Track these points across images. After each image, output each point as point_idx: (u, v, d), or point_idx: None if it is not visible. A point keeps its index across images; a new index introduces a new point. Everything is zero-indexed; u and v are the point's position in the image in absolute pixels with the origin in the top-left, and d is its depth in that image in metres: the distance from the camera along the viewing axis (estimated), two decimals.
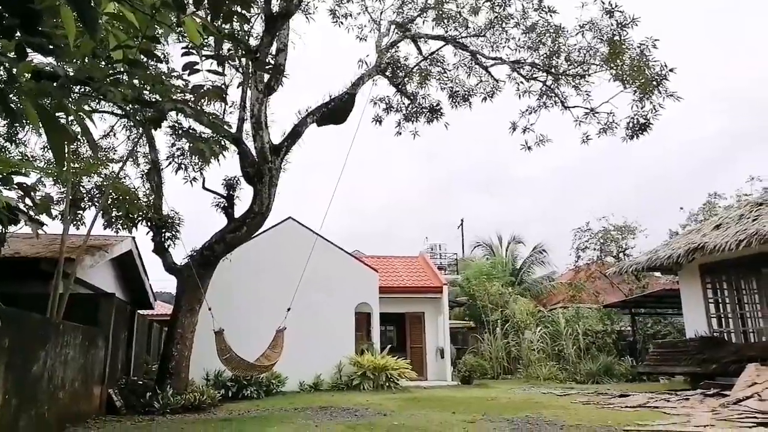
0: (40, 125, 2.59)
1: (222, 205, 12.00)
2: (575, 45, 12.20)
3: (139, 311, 14.34)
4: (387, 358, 15.22)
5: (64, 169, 8.92)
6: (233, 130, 11.11)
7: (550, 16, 12.06)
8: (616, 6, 10.96)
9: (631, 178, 62.92)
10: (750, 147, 54.93)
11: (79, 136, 10.51)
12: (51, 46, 2.62)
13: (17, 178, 4.85)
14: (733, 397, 9.48)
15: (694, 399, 10.31)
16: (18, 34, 2.38)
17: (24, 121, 8.11)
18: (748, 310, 13.13)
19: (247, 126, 11.16)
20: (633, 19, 11.07)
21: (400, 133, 14.21)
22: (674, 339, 17.44)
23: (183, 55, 2.94)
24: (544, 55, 12.53)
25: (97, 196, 10.96)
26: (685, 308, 14.73)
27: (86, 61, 4.15)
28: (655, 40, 11.09)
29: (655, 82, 11.25)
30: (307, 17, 11.79)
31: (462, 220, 38.24)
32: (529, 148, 13.29)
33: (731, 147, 57.43)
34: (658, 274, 21.78)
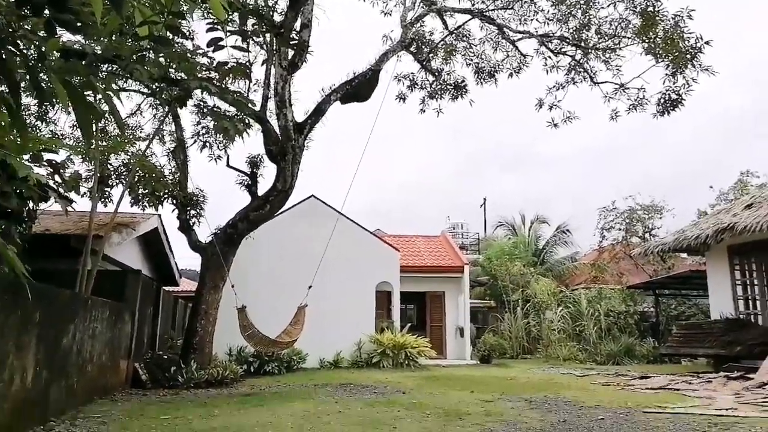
0: (69, 103, 2.60)
1: (245, 182, 12.07)
2: (606, 17, 11.83)
3: (164, 288, 14.62)
4: (406, 336, 15.31)
5: (92, 146, 9.04)
6: (257, 108, 11.08)
7: None
8: None
9: (660, 157, 61.55)
10: None
11: (106, 115, 10.67)
12: (79, 24, 2.61)
13: (47, 156, 4.92)
14: (758, 381, 9.33)
15: (717, 382, 10.18)
16: (47, 11, 2.37)
17: (54, 99, 8.21)
18: None
19: (271, 104, 11.13)
20: None
21: (424, 111, 14.08)
22: (698, 320, 17.20)
23: (208, 31, 2.92)
24: (574, 28, 12.20)
25: (124, 173, 11.11)
26: (711, 289, 14.50)
27: (113, 39, 4.15)
28: (691, 10, 10.66)
29: (689, 56, 10.88)
30: None
31: (485, 199, 37.94)
32: (555, 125, 13.08)
33: (761, 123, 55.68)
34: (684, 255, 21.42)
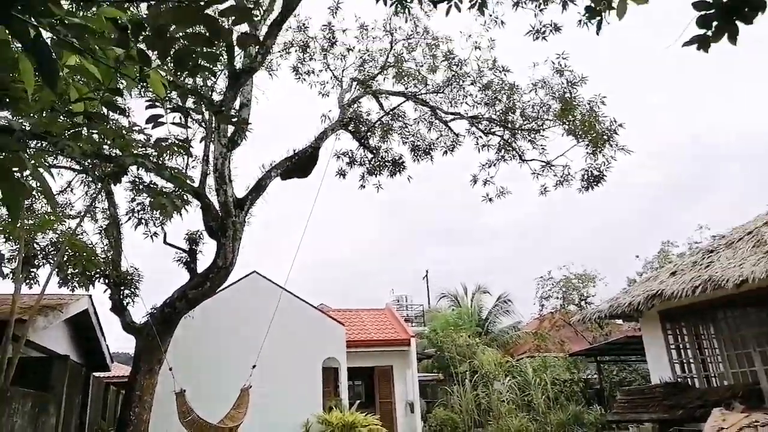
0: None
1: (184, 260, 11.75)
2: (529, 101, 12.79)
3: (94, 374, 13.66)
4: (356, 414, 14.82)
5: (18, 225, 8.65)
6: (196, 184, 11.03)
7: (504, 74, 12.68)
8: (565, 66, 11.61)
9: (591, 225, 64.78)
10: (696, 197, 57.58)
11: (35, 192, 10.28)
12: (7, 99, 2.61)
13: None
14: None
15: None
16: None
17: None
18: (709, 355, 13.38)
19: (210, 180, 11.12)
20: (582, 77, 11.72)
21: (364, 186, 14.38)
22: (640, 386, 17.53)
23: (147, 107, 2.97)
24: (501, 111, 13.06)
25: (52, 252, 10.60)
26: (648, 354, 14.90)
27: (44, 114, 4.12)
28: (603, 97, 11.74)
29: (605, 137, 11.81)
30: (270, 73, 12.07)
31: (427, 272, 38.36)
32: (490, 199, 13.62)
33: (676, 197, 60.17)
34: (620, 321, 22.12)
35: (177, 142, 3.80)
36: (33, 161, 3.18)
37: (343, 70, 13.75)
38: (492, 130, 13.49)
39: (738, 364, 12.20)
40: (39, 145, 5.30)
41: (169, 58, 2.79)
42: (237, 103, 10.34)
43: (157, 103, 3.22)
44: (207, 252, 11.72)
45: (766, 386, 11.24)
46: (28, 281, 10.28)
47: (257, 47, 9.83)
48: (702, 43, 3.29)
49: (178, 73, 3.34)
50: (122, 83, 2.97)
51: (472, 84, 13.10)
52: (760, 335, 11.62)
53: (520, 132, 13.12)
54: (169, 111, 3.26)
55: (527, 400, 19.37)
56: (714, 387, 12.80)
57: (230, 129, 10.84)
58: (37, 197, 11.24)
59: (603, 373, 20.27)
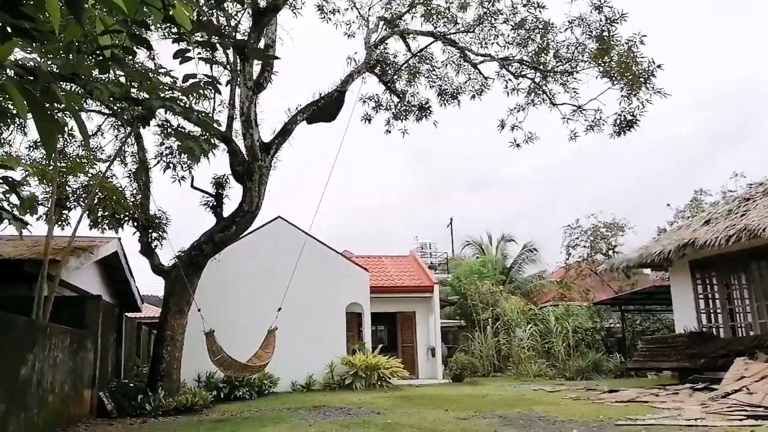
0: (28, 115, 2.50)
1: (211, 204, 11.86)
2: (564, 41, 12.22)
3: (126, 314, 14.16)
4: (379, 357, 15.17)
5: (50, 167, 8.76)
6: (223, 128, 10.99)
7: (539, 11, 12.07)
8: (605, 1, 10.99)
9: (619, 175, 63.47)
10: (729, 145, 55.68)
11: (67, 132, 10.35)
12: (35, 32, 2.53)
13: (2, 173, 4.74)
14: (722, 391, 9.53)
15: (683, 393, 10.37)
16: None
17: (8, 119, 7.94)
18: (737, 305, 13.24)
19: (237, 124, 11.06)
20: (622, 14, 11.10)
21: (390, 132, 14.19)
22: (663, 335, 17.55)
23: (174, 41, 2.87)
24: (533, 52, 12.55)
25: (83, 195, 10.79)
26: (675, 304, 14.82)
27: (72, 57, 4.04)
28: (643, 36, 11.14)
29: (642, 79, 11.30)
30: (294, 12, 11.69)
31: (451, 219, 38.21)
32: (517, 145, 13.34)
33: (711, 145, 58.19)
34: (647, 271, 21.93)
35: (206, 79, 3.70)
36: (67, 99, 3.13)
37: (369, 9, 13.25)
38: (523, 73, 13.01)
39: (767, 314, 12.06)
40: (68, 87, 5.26)
41: None
42: (261, 44, 10.10)
43: (184, 37, 3.12)
44: (233, 196, 11.81)
45: None
46: (60, 223, 10.52)
47: None
48: None
49: (203, 8, 3.21)
50: (149, 17, 2.85)
51: (504, 22, 12.52)
52: None
53: (552, 74, 12.63)
54: (195, 46, 3.16)
55: (548, 348, 19.60)
56: (739, 337, 12.74)
57: (255, 72, 10.66)
58: (68, 140, 11.35)
59: (626, 322, 20.28)
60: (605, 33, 11.33)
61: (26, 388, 6.42)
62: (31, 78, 2.87)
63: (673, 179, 53.61)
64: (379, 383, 14.46)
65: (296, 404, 10.93)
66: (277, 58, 9.97)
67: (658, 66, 11.20)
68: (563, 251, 25.57)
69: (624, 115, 11.85)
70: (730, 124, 55.96)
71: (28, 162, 10.78)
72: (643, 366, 14.93)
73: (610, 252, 24.28)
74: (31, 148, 11.13)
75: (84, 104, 9.37)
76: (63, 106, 2.79)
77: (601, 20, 11.27)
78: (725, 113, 55.98)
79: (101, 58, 3.07)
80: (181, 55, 2.92)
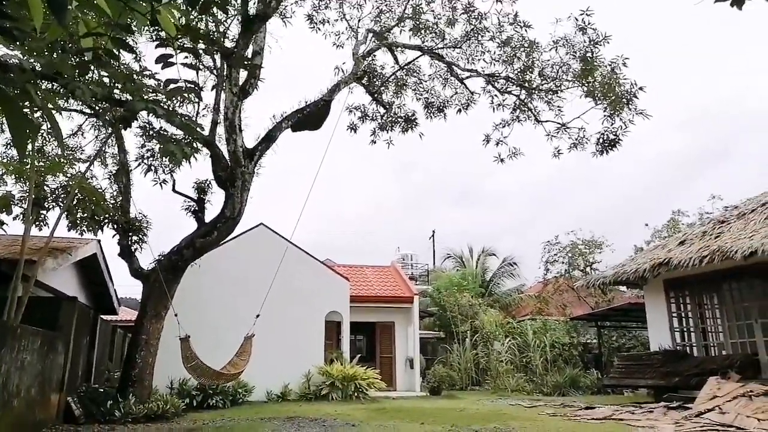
0: (1, 115, 2.47)
1: (192, 208, 11.76)
2: (548, 60, 12.42)
3: (102, 316, 13.91)
4: (356, 367, 15.08)
5: (28, 166, 8.62)
6: (206, 132, 10.93)
7: (525, 30, 12.27)
8: (588, 23, 11.20)
9: (599, 194, 64.38)
10: (709, 166, 56.85)
11: (45, 130, 10.21)
12: (16, 31, 2.50)
13: None
14: (695, 410, 9.66)
15: (657, 411, 10.48)
16: None
17: None
18: (710, 325, 13.47)
19: (220, 129, 11.01)
20: (605, 36, 11.32)
21: (375, 142, 14.23)
22: (639, 352, 17.73)
23: (157, 46, 2.86)
24: (518, 70, 12.72)
25: (62, 196, 10.62)
26: (649, 322, 15.01)
27: (54, 55, 4.01)
28: (626, 58, 11.36)
29: (625, 100, 11.50)
30: (284, 21, 11.73)
31: (433, 232, 38.44)
32: (501, 160, 13.45)
33: (690, 166, 59.37)
34: (623, 288, 22.20)
35: (188, 85, 3.69)
36: (44, 100, 3.10)
37: (359, 21, 13.38)
38: (508, 89, 13.17)
39: (738, 334, 12.29)
40: (50, 86, 5.19)
41: None
42: (249, 51, 10.10)
43: (168, 43, 3.11)
44: (215, 202, 11.74)
45: (764, 357, 11.32)
46: (37, 223, 10.33)
47: None
48: None
49: (191, 14, 3.21)
50: (132, 21, 2.85)
51: (491, 40, 12.71)
52: (763, 307, 11.64)
53: (537, 92, 12.81)
54: (179, 51, 3.15)
55: (525, 362, 19.68)
56: (712, 356, 12.94)
57: (242, 78, 10.64)
58: (47, 139, 11.19)
59: (603, 338, 20.48)
60: (589, 54, 11.54)
61: None
62: (10, 75, 2.84)
63: (654, 198, 54.54)
64: (356, 394, 14.37)
65: (270, 414, 10.81)
66: (260, 68, 9.97)
67: (640, 88, 11.43)
68: (542, 266, 25.86)
69: (607, 135, 12.04)
70: (712, 145, 57.20)
71: (5, 160, 10.61)
72: (619, 383, 15.07)
73: (588, 269, 24.58)
74: (8, 146, 10.95)
75: (65, 103, 9.27)
76: (38, 106, 2.76)
77: (584, 41, 11.49)
78: (708, 133, 57.23)
79: (83, 59, 3.05)
80: (164, 61, 2.91)
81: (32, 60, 4.83)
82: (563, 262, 25.29)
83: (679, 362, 12.76)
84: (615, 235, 41.42)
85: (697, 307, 13.57)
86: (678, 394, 11.62)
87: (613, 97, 11.53)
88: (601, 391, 17.25)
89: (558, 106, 12.74)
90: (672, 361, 12.87)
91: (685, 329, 13.89)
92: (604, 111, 11.89)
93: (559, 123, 12.82)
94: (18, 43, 2.84)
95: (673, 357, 13.11)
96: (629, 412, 10.65)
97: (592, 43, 11.40)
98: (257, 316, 10.55)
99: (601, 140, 12.12)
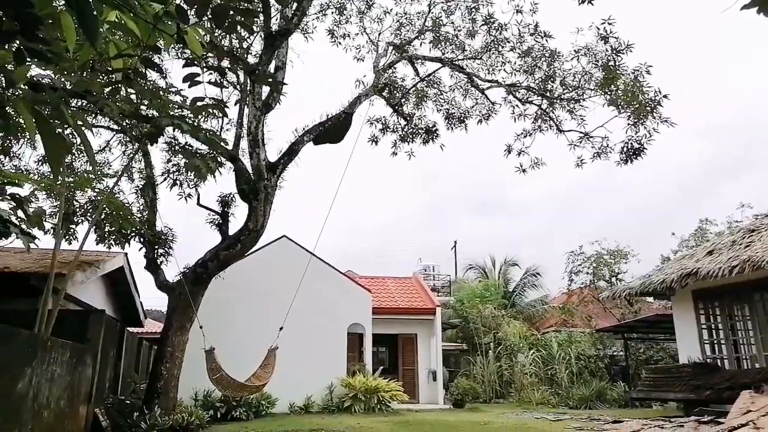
0: (36, 134, 2.56)
1: (216, 222, 11.92)
2: (570, 69, 12.32)
3: (128, 329, 14.13)
4: (379, 380, 15.04)
5: (59, 182, 8.86)
6: (230, 147, 11.10)
7: (546, 40, 12.22)
8: (611, 32, 11.10)
9: (624, 203, 63.38)
10: (734, 174, 55.64)
11: (75, 148, 10.49)
12: (50, 54, 2.59)
13: (10, 189, 4.79)
14: (728, 425, 9.38)
15: (688, 426, 10.20)
16: (17, 40, 2.36)
17: (18, 133, 8.06)
18: (741, 337, 13.12)
19: (244, 143, 11.16)
20: (628, 45, 11.19)
21: (396, 154, 14.27)
22: (667, 364, 17.35)
23: (184, 66, 2.93)
24: (540, 79, 12.66)
25: (91, 210, 10.87)
26: (678, 334, 14.69)
27: (84, 74, 4.13)
28: (649, 66, 11.22)
29: (649, 108, 11.34)
30: (305, 36, 11.90)
31: (455, 242, 38.25)
32: (523, 170, 13.34)
33: (716, 175, 58.19)
34: (650, 299, 21.77)
35: (213, 102, 3.76)
36: (74, 118, 3.19)
37: (379, 34, 13.50)
38: (529, 99, 13.10)
39: None
40: (80, 104, 5.34)
41: (207, 14, 2.73)
42: (272, 66, 10.25)
43: (194, 62, 3.18)
44: (239, 215, 11.90)
45: None
46: (67, 237, 10.58)
47: (294, 7, 9.69)
48: (764, 4, 3.02)
49: (216, 32, 3.29)
50: (160, 41, 2.93)
51: (511, 50, 12.68)
52: None
53: (558, 101, 12.72)
54: (205, 70, 3.23)
55: (550, 374, 19.41)
56: (744, 369, 12.58)
57: (264, 93, 10.80)
58: (76, 155, 11.48)
59: (629, 350, 20.09)
60: (611, 62, 11.42)
61: (22, 402, 6.39)
62: (43, 94, 2.94)
63: (679, 206, 53.52)
64: (378, 407, 14.31)
65: (293, 426, 10.83)
66: (284, 84, 10.10)
67: (665, 96, 11.25)
68: (566, 277, 25.47)
69: (631, 143, 11.87)
70: (735, 153, 56.05)
71: (37, 176, 10.91)
72: (647, 396, 14.74)
73: (613, 279, 24.16)
74: (40, 163, 11.26)
75: (93, 119, 9.50)
76: (70, 124, 2.85)
77: (607, 50, 11.37)
78: (732, 142, 56.08)
79: (112, 79, 3.14)
80: (191, 80, 2.98)
81: (63, 79, 4.98)
82: (588, 273, 24.90)
83: (709, 375, 12.43)
84: (641, 245, 40.76)
85: (727, 319, 13.23)
86: (709, 408, 11.32)
87: (636, 105, 11.39)
88: (629, 404, 16.90)
89: (581, 115, 12.62)
90: (702, 374, 12.55)
91: (715, 341, 13.55)
92: (628, 119, 11.75)
93: (581, 132, 12.70)
94: (51, 64, 2.94)
95: (704, 370, 12.79)
96: (659, 426, 10.39)
97: (614, 51, 11.28)
98: (281, 328, 10.60)
99: (625, 149, 11.95)
